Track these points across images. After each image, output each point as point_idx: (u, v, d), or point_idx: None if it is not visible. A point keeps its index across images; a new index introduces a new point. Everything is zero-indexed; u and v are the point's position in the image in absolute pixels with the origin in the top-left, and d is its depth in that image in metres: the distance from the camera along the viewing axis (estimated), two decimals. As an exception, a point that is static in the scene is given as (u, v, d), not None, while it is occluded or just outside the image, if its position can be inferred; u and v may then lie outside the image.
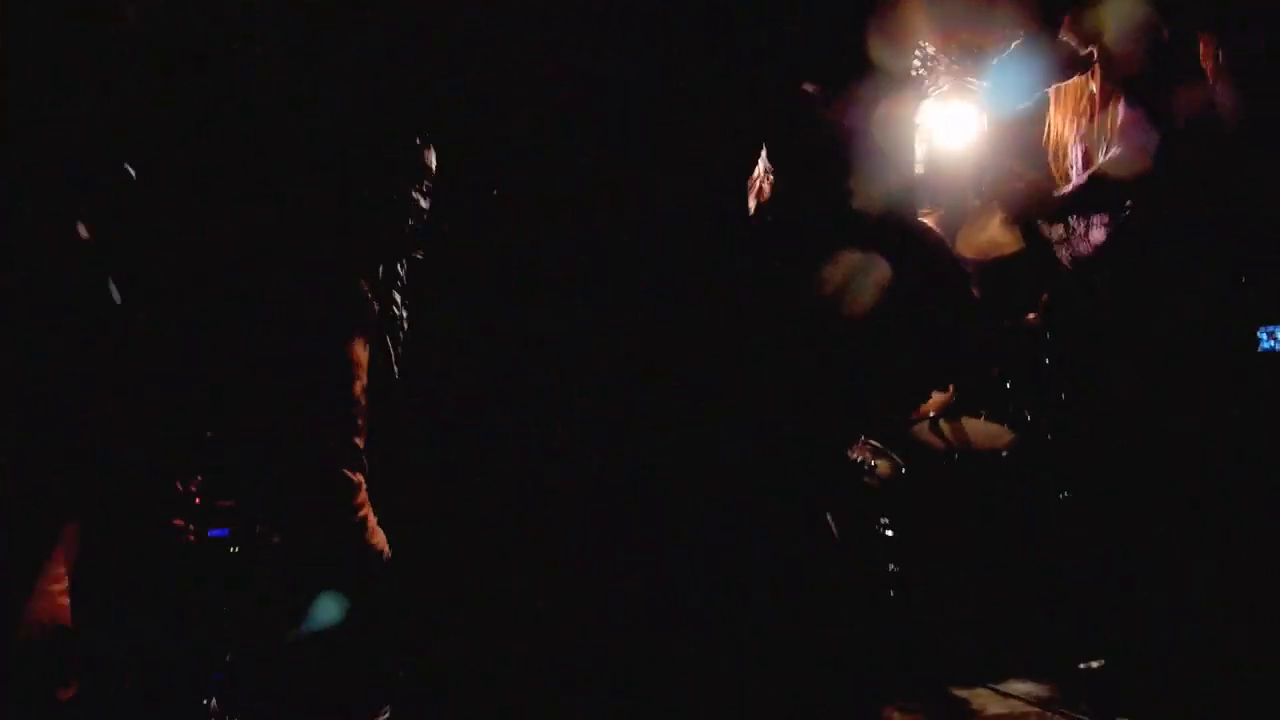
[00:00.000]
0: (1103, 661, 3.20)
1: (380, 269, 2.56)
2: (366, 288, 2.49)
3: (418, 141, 2.58)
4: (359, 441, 2.45)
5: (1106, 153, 3.19)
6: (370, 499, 2.48)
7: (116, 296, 2.29)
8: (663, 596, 3.03)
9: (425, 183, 2.62)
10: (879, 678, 3.12)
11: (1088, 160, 3.32)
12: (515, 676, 2.94)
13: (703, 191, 3.13)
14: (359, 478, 2.45)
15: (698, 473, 3.14)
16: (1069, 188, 3.29)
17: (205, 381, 2.50)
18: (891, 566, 3.49)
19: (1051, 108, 3.45)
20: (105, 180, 2.32)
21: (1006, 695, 3.08)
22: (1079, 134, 3.36)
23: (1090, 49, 3.22)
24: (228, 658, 2.57)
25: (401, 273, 2.74)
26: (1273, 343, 3.26)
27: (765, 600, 3.10)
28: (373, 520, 2.49)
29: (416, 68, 2.56)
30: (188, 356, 2.44)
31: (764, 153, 3.23)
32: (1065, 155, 3.42)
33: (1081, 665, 3.23)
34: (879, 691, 3.05)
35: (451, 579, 3.04)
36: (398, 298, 2.74)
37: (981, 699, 3.06)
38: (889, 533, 3.55)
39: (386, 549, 2.51)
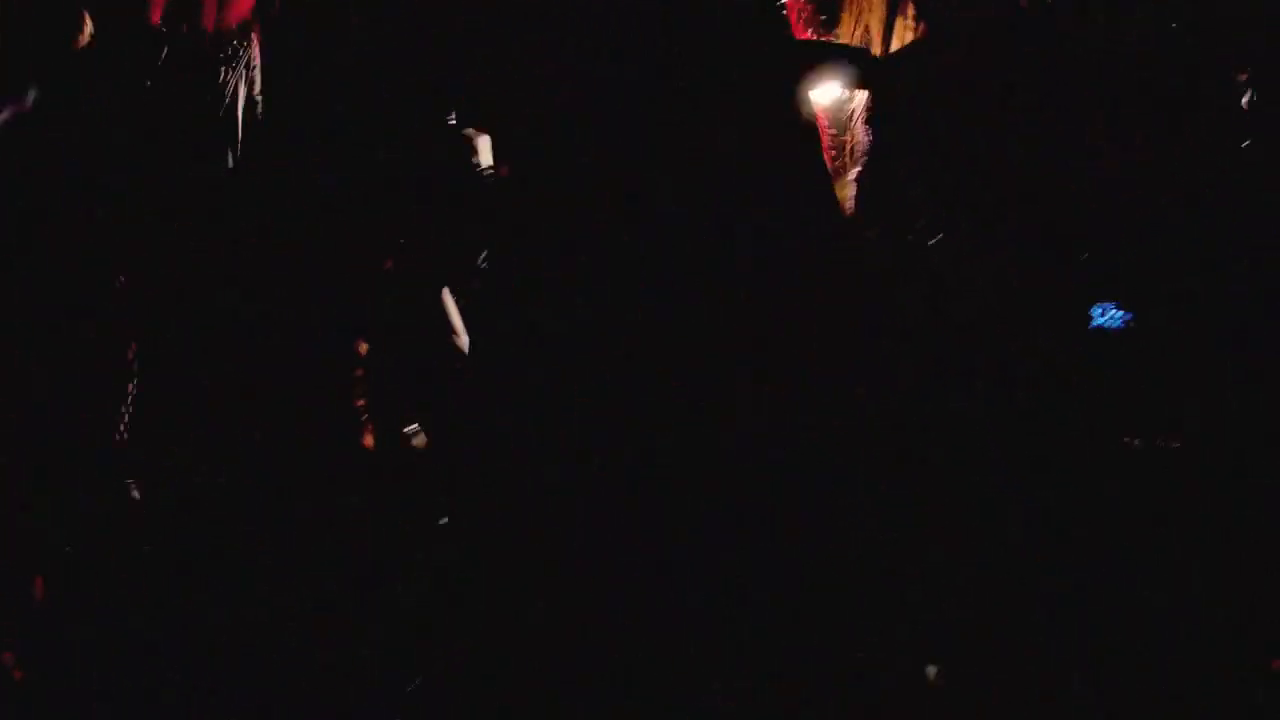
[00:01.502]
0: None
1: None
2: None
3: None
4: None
5: None
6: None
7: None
8: (663, 596, 3.03)
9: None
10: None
11: None
12: (515, 676, 2.93)
13: (703, 191, 3.12)
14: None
15: (698, 473, 3.14)
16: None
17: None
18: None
19: None
20: (107, 181, 2.32)
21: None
22: None
23: None
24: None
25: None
26: (1104, 320, 3.39)
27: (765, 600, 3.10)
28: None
29: (418, 67, 2.56)
30: (192, 355, 2.44)
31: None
32: None
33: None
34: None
35: (451, 579, 3.04)
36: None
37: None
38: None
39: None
